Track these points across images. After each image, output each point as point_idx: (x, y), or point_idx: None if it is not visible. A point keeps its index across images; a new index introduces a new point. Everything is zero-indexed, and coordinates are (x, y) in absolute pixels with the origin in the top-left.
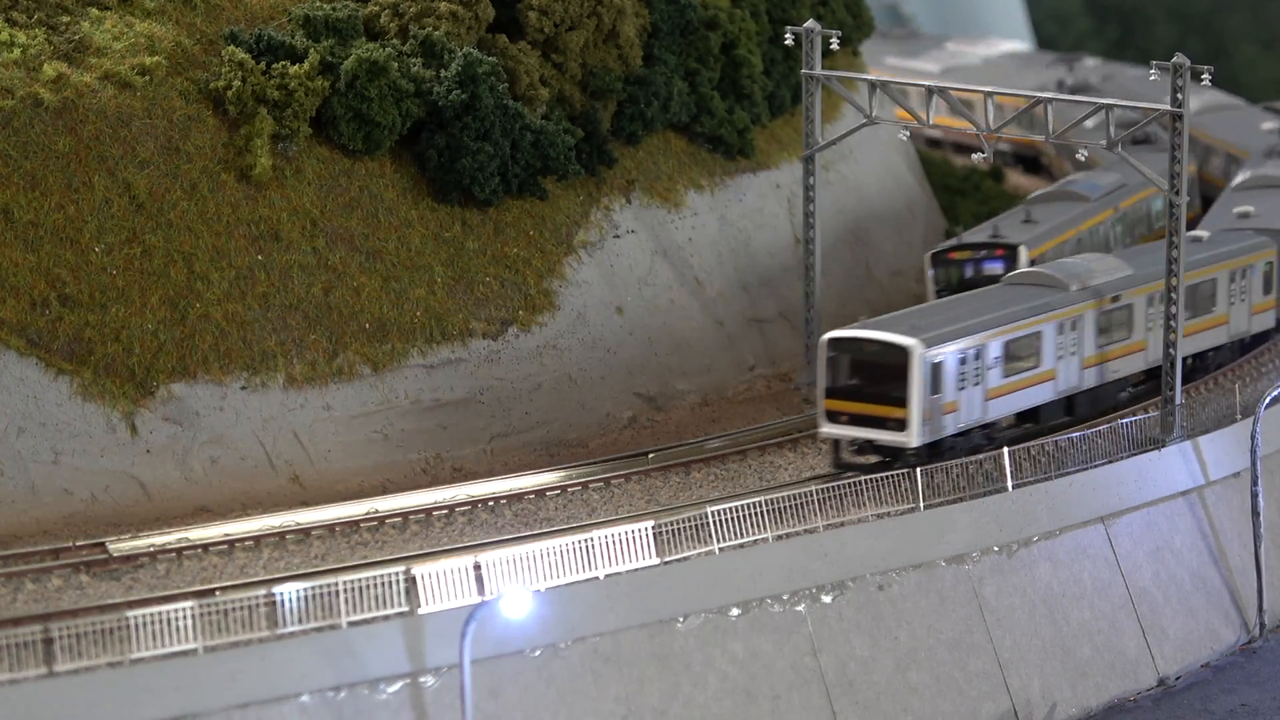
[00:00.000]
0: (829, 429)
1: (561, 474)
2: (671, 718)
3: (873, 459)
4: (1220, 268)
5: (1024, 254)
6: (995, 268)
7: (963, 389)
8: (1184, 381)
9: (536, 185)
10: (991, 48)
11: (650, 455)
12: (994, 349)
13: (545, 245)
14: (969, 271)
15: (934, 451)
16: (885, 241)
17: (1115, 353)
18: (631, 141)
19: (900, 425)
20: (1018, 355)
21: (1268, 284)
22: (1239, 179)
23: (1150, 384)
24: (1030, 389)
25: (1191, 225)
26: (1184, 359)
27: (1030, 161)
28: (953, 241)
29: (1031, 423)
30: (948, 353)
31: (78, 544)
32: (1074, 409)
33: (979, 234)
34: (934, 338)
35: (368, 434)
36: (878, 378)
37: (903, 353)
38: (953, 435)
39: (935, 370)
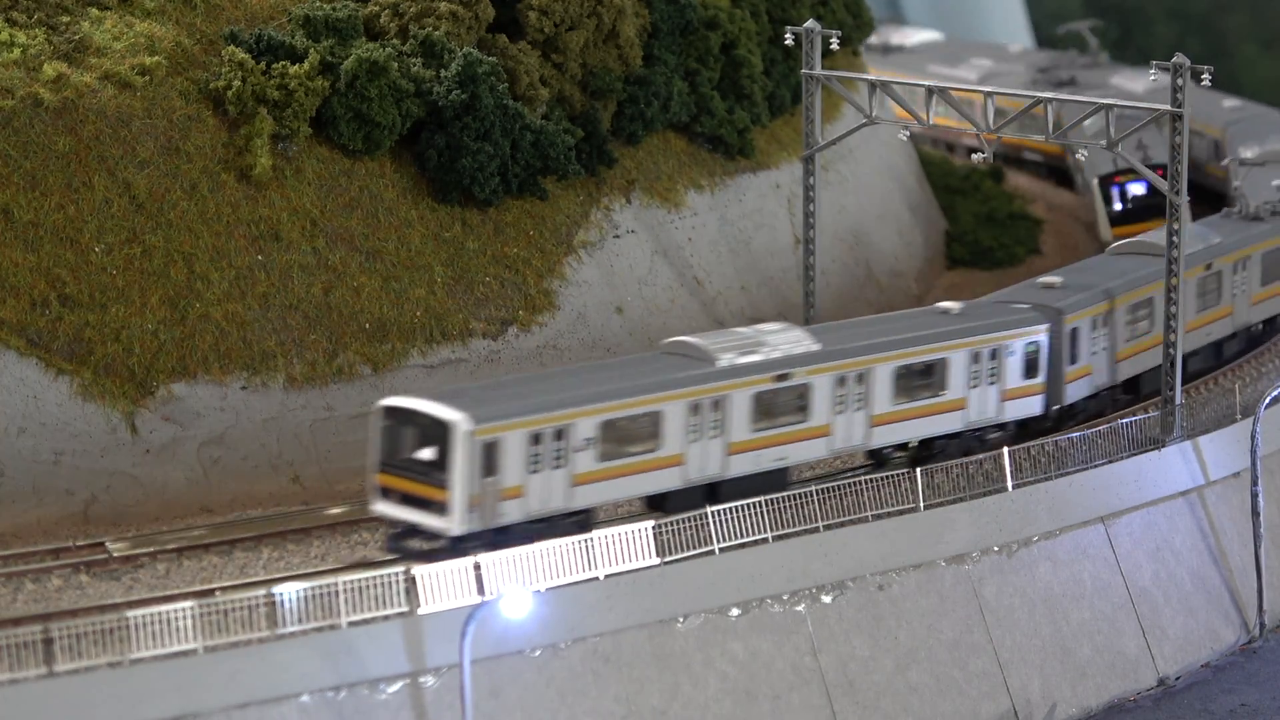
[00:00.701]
0: (381, 507)
1: None
2: (671, 718)
3: (424, 544)
4: (956, 346)
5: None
6: (1142, 187)
7: (535, 472)
8: (908, 466)
9: (536, 185)
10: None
11: None
12: (584, 429)
13: (545, 245)
14: (1117, 192)
15: (500, 540)
16: (885, 241)
17: (782, 437)
18: (631, 141)
19: (442, 509)
20: (626, 437)
21: (1032, 366)
22: (1117, 243)
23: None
24: (646, 474)
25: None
26: (906, 444)
27: (1061, 174)
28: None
29: (659, 510)
30: (511, 431)
31: (78, 544)
32: (719, 497)
33: (1135, 155)
34: (492, 413)
35: (368, 434)
36: (424, 454)
37: (446, 429)
38: (524, 523)
39: (489, 450)
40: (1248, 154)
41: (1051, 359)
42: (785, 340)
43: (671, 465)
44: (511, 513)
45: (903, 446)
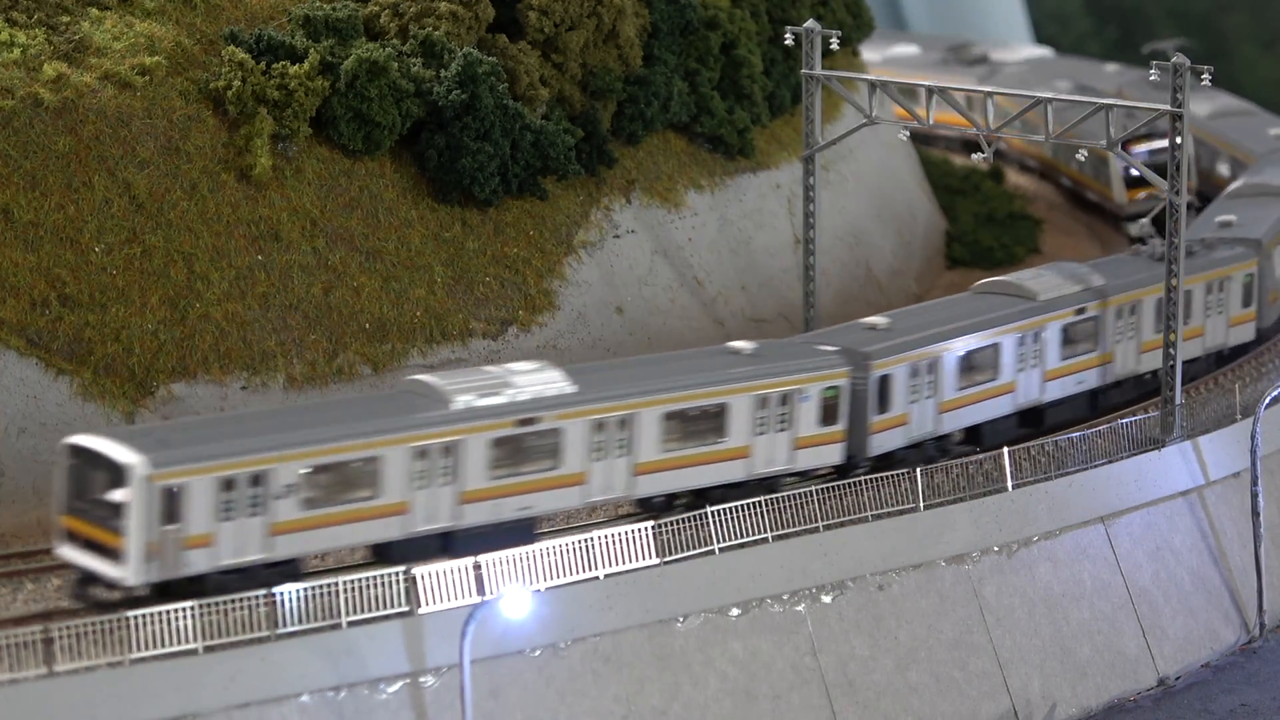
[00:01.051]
0: (65, 551)
1: None
2: (671, 718)
3: (107, 594)
4: (739, 390)
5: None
6: (1142, 156)
7: (228, 520)
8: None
9: (536, 185)
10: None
11: None
12: (285, 474)
13: (545, 245)
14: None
15: (194, 590)
16: (885, 241)
17: (527, 485)
18: (631, 141)
19: (117, 557)
20: (338, 483)
21: (830, 413)
22: (982, 281)
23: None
24: (363, 523)
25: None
26: (675, 494)
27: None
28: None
29: (383, 560)
30: (198, 476)
31: None
32: (454, 548)
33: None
34: (176, 456)
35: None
36: (103, 497)
37: (122, 472)
38: (219, 573)
39: (171, 496)
40: (1237, 185)
41: (854, 406)
42: (536, 381)
43: (393, 514)
44: (198, 562)
45: (675, 496)
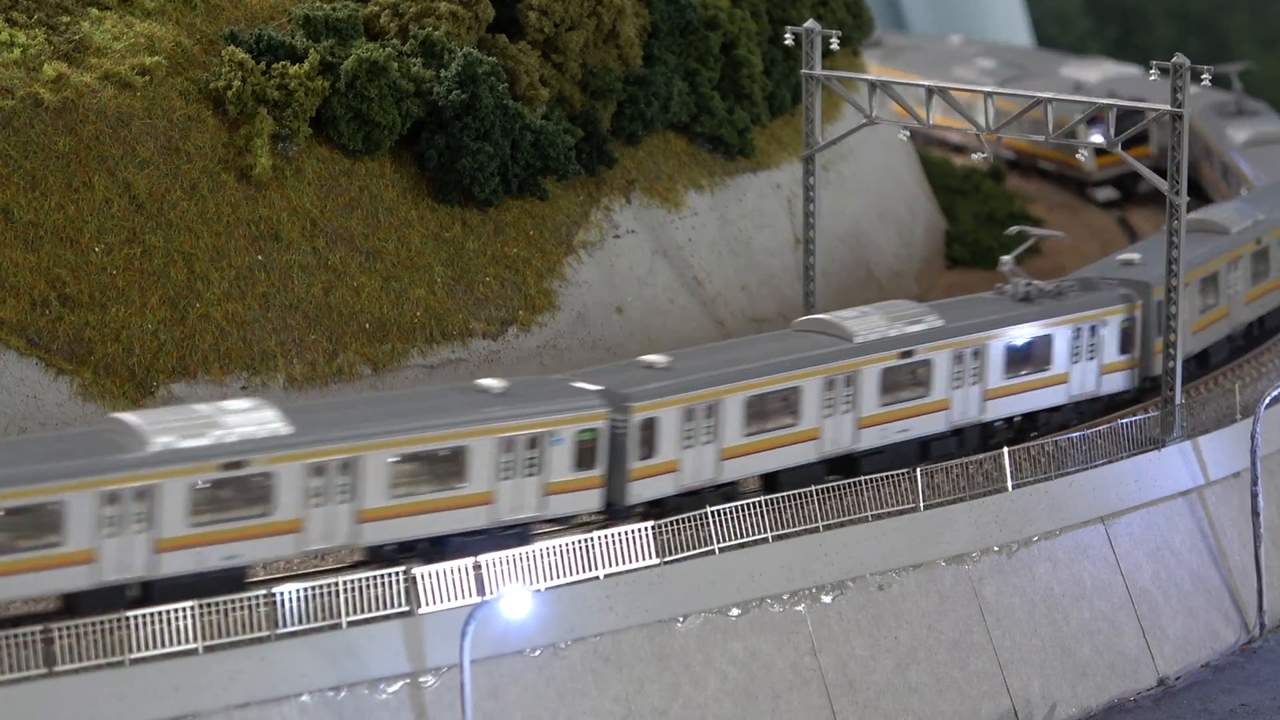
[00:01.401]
0: None
1: None
2: (671, 718)
3: None
4: (480, 433)
5: None
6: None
7: None
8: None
9: (536, 185)
10: None
11: None
12: None
13: (545, 245)
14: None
15: None
16: (885, 241)
17: (234, 533)
18: (631, 141)
19: None
20: (21, 529)
21: (587, 457)
22: (801, 319)
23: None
24: (43, 573)
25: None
26: (416, 541)
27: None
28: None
29: (73, 613)
30: None
31: None
32: (151, 598)
33: None
34: None
35: None
36: None
37: None
38: None
39: None
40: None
41: (614, 451)
42: (246, 422)
43: (78, 563)
44: None
45: (410, 545)
